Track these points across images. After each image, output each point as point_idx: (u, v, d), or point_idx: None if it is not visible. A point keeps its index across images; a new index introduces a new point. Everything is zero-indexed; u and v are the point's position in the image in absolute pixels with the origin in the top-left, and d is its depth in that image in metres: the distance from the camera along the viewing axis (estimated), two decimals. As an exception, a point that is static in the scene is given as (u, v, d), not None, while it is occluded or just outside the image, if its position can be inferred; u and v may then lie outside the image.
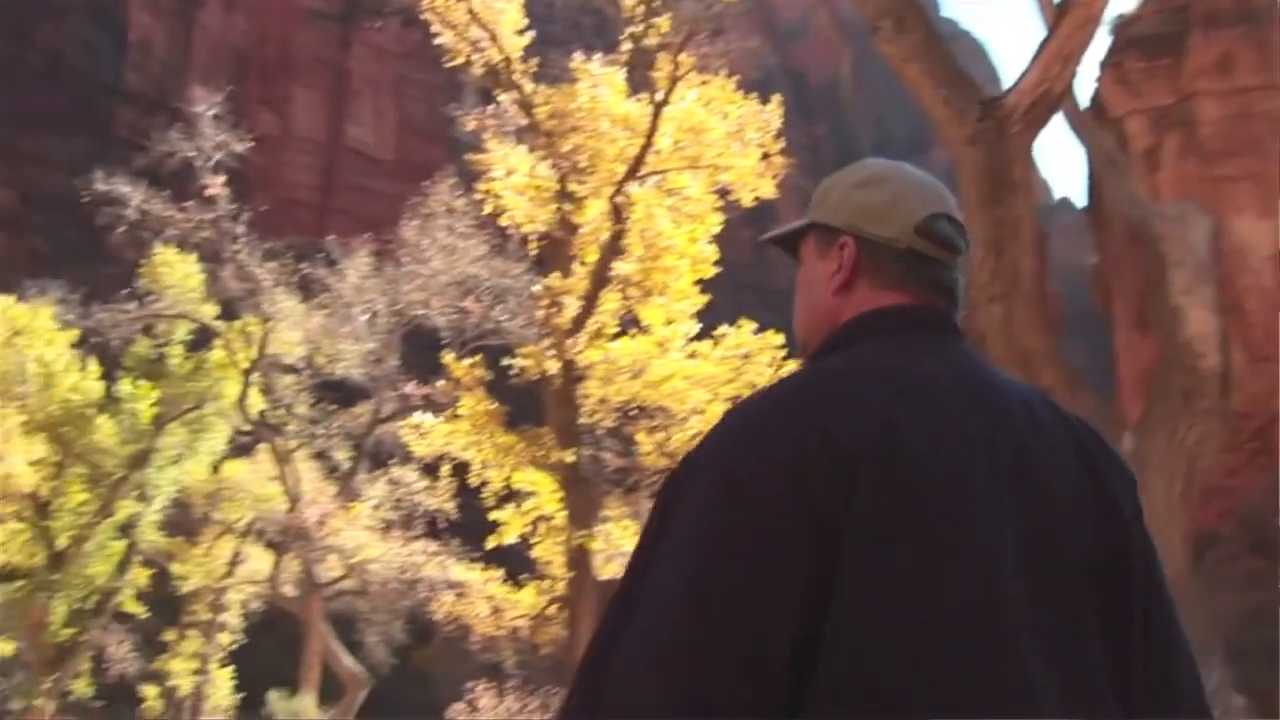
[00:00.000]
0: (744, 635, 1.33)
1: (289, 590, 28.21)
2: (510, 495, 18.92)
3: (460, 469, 20.15)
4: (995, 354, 10.09)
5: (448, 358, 18.69)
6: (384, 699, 30.30)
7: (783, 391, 1.55)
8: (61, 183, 34.00)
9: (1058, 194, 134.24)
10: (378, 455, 28.86)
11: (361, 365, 29.31)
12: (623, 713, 1.31)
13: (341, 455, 29.64)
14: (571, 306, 17.90)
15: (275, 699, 22.79)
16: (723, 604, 1.34)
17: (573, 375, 18.38)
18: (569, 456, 17.63)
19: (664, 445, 19.56)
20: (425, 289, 26.56)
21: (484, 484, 18.55)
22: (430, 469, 25.93)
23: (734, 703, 1.30)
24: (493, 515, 18.75)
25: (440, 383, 18.71)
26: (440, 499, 25.34)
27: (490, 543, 18.98)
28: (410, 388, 26.80)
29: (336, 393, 30.79)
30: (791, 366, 18.85)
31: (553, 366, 18.16)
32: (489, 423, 17.90)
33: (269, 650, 44.74)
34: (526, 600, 20.11)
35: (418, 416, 18.20)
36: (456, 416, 18.09)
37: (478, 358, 18.36)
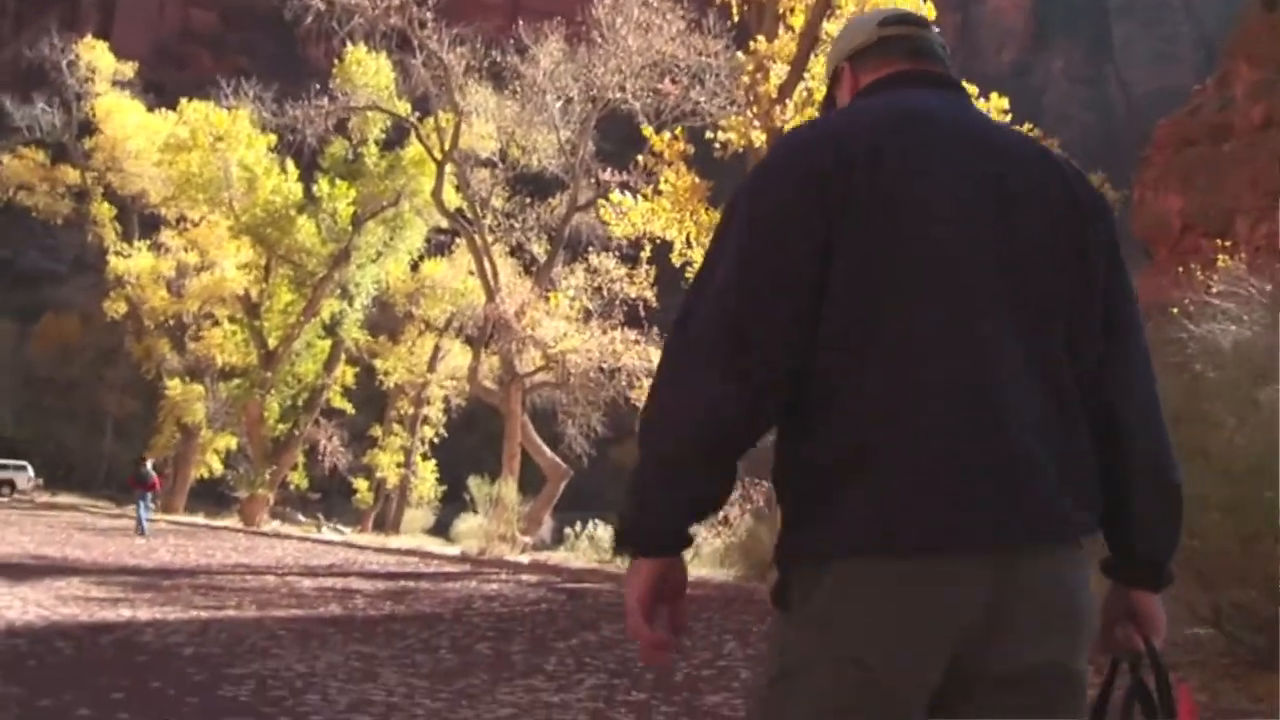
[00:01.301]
0: (797, 262, 1.74)
1: (489, 384, 28.34)
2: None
3: (662, 252, 19.45)
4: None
5: (648, 131, 17.76)
6: (581, 492, 30.63)
7: (811, 123, 2.06)
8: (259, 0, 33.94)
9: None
10: (574, 246, 28.40)
11: (556, 156, 28.63)
12: (698, 336, 1.74)
13: (538, 248, 29.30)
14: (779, 72, 16.67)
15: (476, 485, 22.92)
16: (758, 268, 1.75)
17: (780, 147, 17.31)
18: (777, 232, 16.69)
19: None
20: (620, 71, 25.46)
21: (687, 265, 17.81)
22: (629, 258, 25.37)
23: (767, 333, 1.72)
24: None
25: (640, 158, 17.82)
26: (639, 286, 24.76)
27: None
28: (607, 174, 26.09)
29: (531, 185, 30.29)
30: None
31: (759, 138, 17.06)
32: (691, 199, 17.02)
33: (471, 446, 46.07)
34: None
35: (617, 195, 17.36)
36: (658, 193, 17.25)
37: (680, 130, 17.35)
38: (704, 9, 23.70)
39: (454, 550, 22.45)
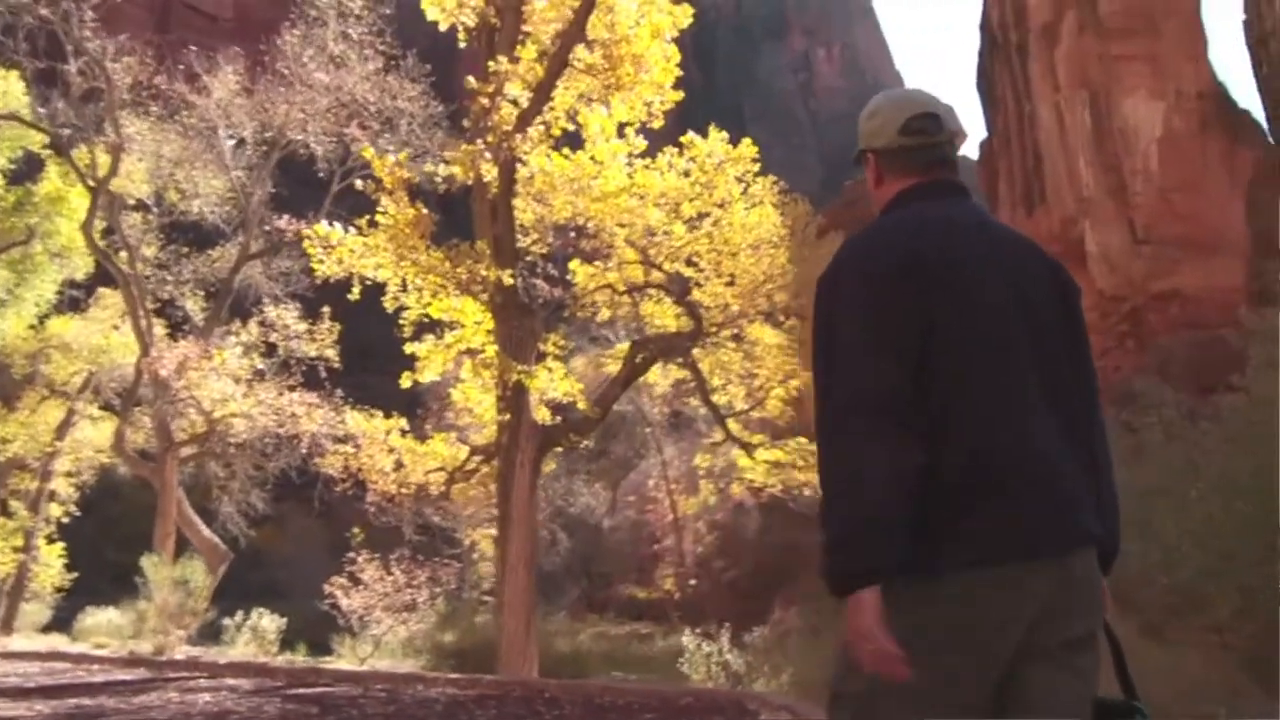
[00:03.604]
0: (900, 338, 2.40)
1: (135, 453, 24.72)
2: (423, 330, 16.19)
3: (351, 307, 17.01)
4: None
5: (368, 152, 15.61)
6: (230, 578, 27.10)
7: (878, 230, 2.64)
8: None
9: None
10: (242, 302, 25.40)
11: (222, 202, 25.68)
12: (844, 402, 2.41)
13: (192, 304, 26.02)
14: (518, 96, 15.09)
15: (151, 565, 19.00)
16: (879, 330, 2.40)
17: (513, 183, 15.63)
18: (508, 278, 14.90)
19: (605, 273, 17.09)
20: (304, 111, 23.09)
21: (401, 311, 15.71)
22: (307, 314, 22.86)
23: (892, 392, 2.37)
24: (409, 348, 15.95)
25: (360, 183, 15.60)
26: (321, 344, 22.15)
27: (405, 381, 16.21)
28: (282, 221, 23.51)
29: (190, 234, 27.01)
30: (763, 181, 16.50)
31: (489, 171, 15.32)
32: (413, 234, 14.93)
33: (88, 533, 40.65)
34: (440, 452, 17.39)
35: (324, 227, 15.01)
36: (373, 225, 15.06)
37: (404, 154, 15.29)
38: (407, 45, 21.91)
39: (100, 650, 18.40)
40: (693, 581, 39.97)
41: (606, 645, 31.66)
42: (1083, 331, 2.67)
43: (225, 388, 21.78)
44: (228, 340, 23.37)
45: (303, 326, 22.31)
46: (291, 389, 21.51)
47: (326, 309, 22.14)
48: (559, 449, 16.78)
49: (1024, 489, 2.37)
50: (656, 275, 16.18)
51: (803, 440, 18.10)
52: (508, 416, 15.14)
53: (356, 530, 23.49)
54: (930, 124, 2.70)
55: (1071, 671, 2.41)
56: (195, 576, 18.22)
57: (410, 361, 16.19)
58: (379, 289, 15.58)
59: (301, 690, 11.10)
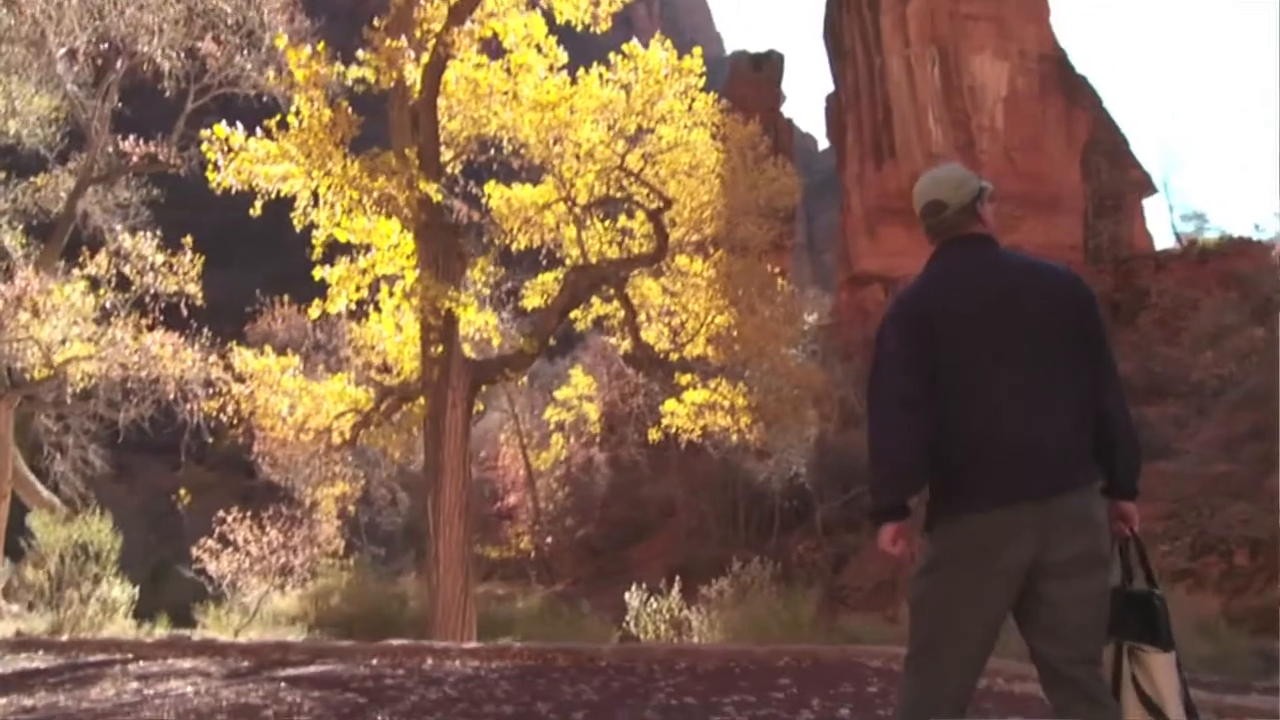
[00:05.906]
0: (915, 361, 3.49)
1: (-47, 402, 21.82)
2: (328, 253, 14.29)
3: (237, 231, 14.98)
4: None
5: (281, 40, 13.61)
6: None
7: (913, 284, 3.68)
8: None
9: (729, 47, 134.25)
10: (75, 236, 22.57)
11: (45, 123, 22.81)
12: (879, 397, 3.59)
13: (11, 239, 23.06)
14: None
15: (42, 525, 15.79)
16: (902, 355, 3.52)
17: (438, 88, 13.93)
18: (435, 192, 13.22)
19: (520, 198, 15.55)
20: (152, 18, 20.59)
21: (312, 229, 13.80)
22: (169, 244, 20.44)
23: (924, 400, 3.46)
24: (317, 273, 14.04)
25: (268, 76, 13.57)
26: (182, 279, 19.73)
27: (313, 312, 14.32)
28: (128, 143, 21.03)
29: (5, 159, 23.94)
30: (705, 99, 15.10)
31: (413, 73, 13.60)
32: (328, 140, 12.99)
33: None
34: (345, 393, 15.53)
35: (224, 129, 12.91)
36: (282, 127, 13.06)
37: (321, 46, 13.30)
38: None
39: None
40: (549, 540, 38.70)
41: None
42: (1092, 332, 3.61)
43: (68, 327, 19.15)
44: (71, 275, 20.63)
45: (160, 259, 19.76)
46: (150, 328, 19.01)
47: (188, 239, 19.79)
48: (486, 387, 15.14)
49: (999, 461, 3.44)
50: (631, 188, 14.68)
51: (723, 383, 16.88)
52: (439, 349, 13.44)
53: (184, 492, 21.36)
54: (934, 208, 3.74)
55: (1080, 577, 3.44)
56: (100, 538, 15.33)
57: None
58: (223, 236, 13.59)
59: (295, 672, 8.70)
